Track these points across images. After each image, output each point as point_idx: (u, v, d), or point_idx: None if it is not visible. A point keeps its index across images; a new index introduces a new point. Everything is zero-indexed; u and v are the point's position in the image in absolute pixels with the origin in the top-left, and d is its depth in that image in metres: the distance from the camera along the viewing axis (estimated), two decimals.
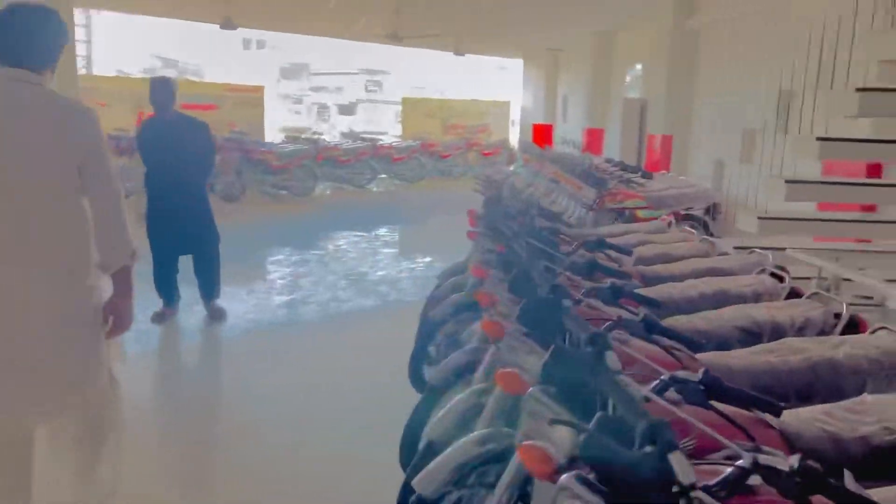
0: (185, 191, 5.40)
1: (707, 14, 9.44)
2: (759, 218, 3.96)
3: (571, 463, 1.61)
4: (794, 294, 3.47)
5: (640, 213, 8.05)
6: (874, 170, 5.18)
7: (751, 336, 2.92)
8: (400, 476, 2.68)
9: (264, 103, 16.44)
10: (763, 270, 3.71)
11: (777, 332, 2.91)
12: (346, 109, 52.81)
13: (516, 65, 23.23)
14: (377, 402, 4.31)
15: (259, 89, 16.68)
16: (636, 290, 2.95)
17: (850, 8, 5.75)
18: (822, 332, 2.95)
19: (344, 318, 6.06)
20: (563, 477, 1.46)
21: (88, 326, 2.51)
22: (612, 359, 1.82)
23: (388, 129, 34.39)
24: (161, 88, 5.28)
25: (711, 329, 2.95)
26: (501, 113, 20.55)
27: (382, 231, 11.22)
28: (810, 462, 1.29)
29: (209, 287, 5.65)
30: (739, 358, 2.55)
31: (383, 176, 16.47)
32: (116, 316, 2.58)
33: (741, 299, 3.41)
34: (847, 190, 3.92)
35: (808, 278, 3.93)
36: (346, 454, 3.65)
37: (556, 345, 1.90)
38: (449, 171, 17.87)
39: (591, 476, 1.42)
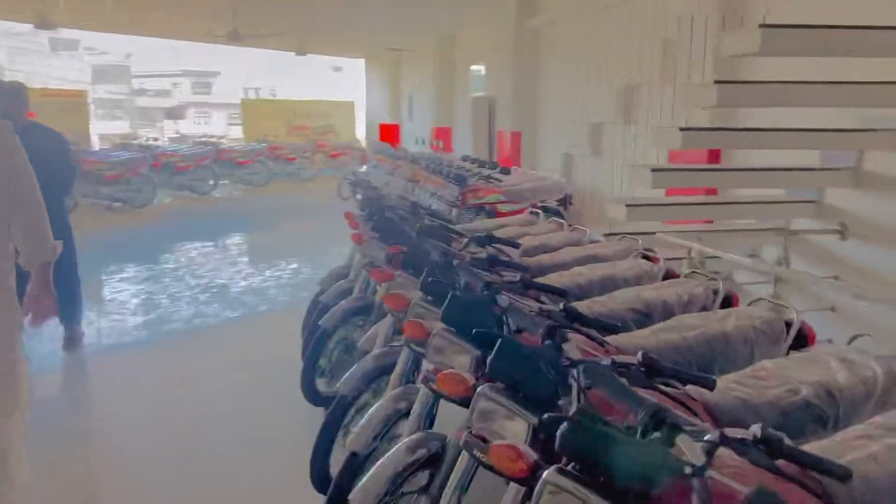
0: None
1: (547, 14, 9.93)
2: (627, 205, 4.23)
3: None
4: (668, 275, 3.75)
5: (500, 208, 8.34)
6: (714, 156, 5.72)
7: (643, 316, 3.10)
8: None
9: (88, 109, 15.08)
10: (638, 254, 3.96)
11: (666, 311, 3.12)
12: (174, 113, 49.91)
13: (351, 65, 23.17)
14: (269, 425, 4.11)
15: (82, 94, 15.33)
16: (541, 282, 3.03)
17: (686, 5, 6.29)
18: (704, 308, 3.20)
19: (214, 335, 5.70)
20: (547, 472, 1.47)
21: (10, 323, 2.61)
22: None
23: (221, 132, 32.92)
24: (10, 95, 4.70)
25: (608, 313, 3.09)
26: (346, 113, 20.37)
27: (236, 239, 10.75)
28: (770, 430, 1.40)
29: (69, 311, 5.14)
30: (644, 338, 2.69)
31: (226, 182, 15.77)
32: (40, 305, 2.76)
33: (626, 283, 3.62)
34: (706, 175, 4.31)
35: (674, 259, 4.23)
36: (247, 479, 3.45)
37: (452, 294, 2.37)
38: (297, 175, 17.45)
39: (572, 467, 1.45)
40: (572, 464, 1.44)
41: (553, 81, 10.00)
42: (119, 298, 6.72)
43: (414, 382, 2.87)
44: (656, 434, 1.31)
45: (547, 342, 1.87)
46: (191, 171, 14.27)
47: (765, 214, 4.59)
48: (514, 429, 1.84)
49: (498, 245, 3.94)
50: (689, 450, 1.26)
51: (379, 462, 2.31)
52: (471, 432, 1.95)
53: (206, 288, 7.10)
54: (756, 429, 1.39)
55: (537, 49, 10.43)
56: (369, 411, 2.69)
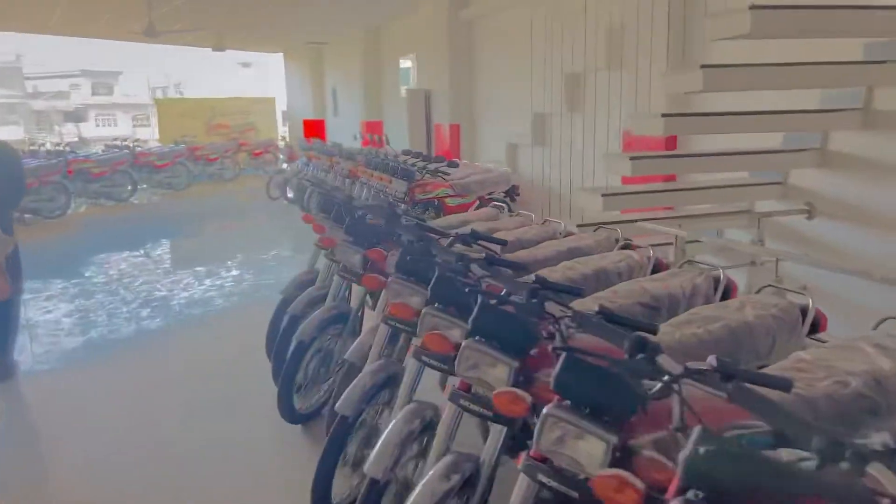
0: None
1: (481, 5, 9.80)
2: (603, 195, 4.15)
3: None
4: (657, 265, 3.69)
5: (448, 202, 8.18)
6: (670, 142, 5.74)
7: (652, 310, 3.01)
8: None
9: None
10: (625, 246, 3.88)
11: (673, 303, 3.04)
12: (75, 116, 47.18)
13: (261, 61, 22.40)
14: (247, 449, 3.83)
15: None
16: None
17: None
18: (707, 298, 3.14)
19: (164, 352, 5.29)
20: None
21: None
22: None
23: (128, 133, 31.31)
24: None
25: (617, 308, 2.99)
26: (267, 110, 19.70)
27: (165, 247, 10.16)
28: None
29: (3, 337, 4.72)
30: (667, 334, 2.59)
31: (144, 186, 14.95)
32: None
33: (619, 276, 3.53)
34: (683, 162, 4.29)
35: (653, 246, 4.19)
36: None
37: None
38: (219, 175, 16.76)
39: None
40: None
41: (491, 72, 9.89)
42: (50, 318, 6.16)
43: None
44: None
45: (638, 356, 1.71)
46: (107, 178, 13.43)
47: (734, 198, 4.62)
48: (590, 449, 1.70)
49: (483, 242, 3.78)
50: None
51: (416, 492, 2.11)
52: (531, 455, 1.82)
53: (145, 302, 6.63)
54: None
55: (472, 40, 10.29)
56: (385, 436, 2.48)
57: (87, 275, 7.86)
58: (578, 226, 4.54)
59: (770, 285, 2.87)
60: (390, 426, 2.51)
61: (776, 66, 3.68)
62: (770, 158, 4.24)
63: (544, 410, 1.77)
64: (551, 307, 2.37)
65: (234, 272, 7.90)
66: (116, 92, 54.18)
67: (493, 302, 2.36)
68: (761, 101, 4.37)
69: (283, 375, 3.79)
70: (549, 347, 2.11)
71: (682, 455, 1.39)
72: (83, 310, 6.39)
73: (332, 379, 4.07)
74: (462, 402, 2.28)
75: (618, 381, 1.69)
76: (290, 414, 3.89)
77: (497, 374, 2.16)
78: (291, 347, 3.80)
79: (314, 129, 18.24)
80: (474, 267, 3.01)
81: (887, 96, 3.83)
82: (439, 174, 8.06)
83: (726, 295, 3.20)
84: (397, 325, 3.04)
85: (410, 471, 2.68)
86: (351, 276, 3.95)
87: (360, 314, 4.04)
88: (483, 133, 10.32)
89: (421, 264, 3.01)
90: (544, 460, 1.80)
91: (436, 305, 2.63)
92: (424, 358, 2.63)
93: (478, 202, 8.50)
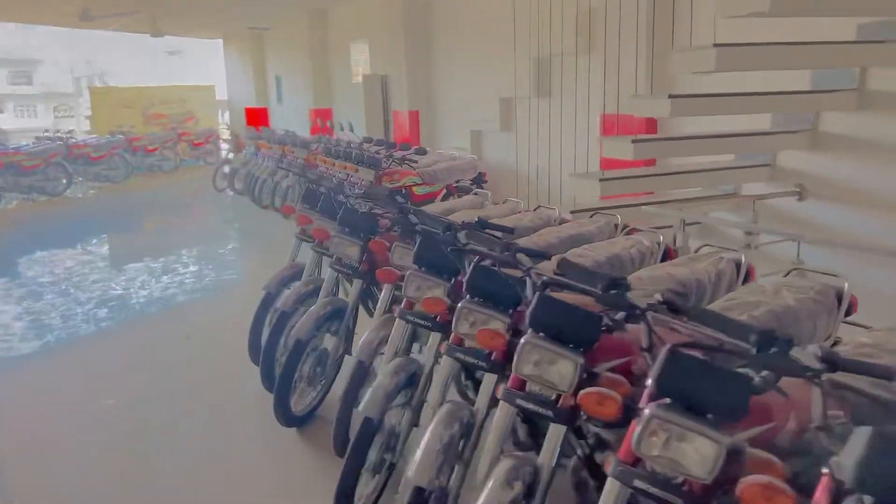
0: None
1: None
2: (601, 180, 4.05)
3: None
4: (667, 251, 3.61)
5: (416, 191, 7.99)
6: (651, 125, 5.69)
7: (681, 297, 2.91)
8: None
9: None
10: (631, 231, 3.80)
11: (700, 289, 2.96)
12: None
13: (191, 48, 21.41)
14: (242, 455, 3.58)
15: None
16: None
17: None
18: (731, 282, 3.08)
19: (131, 357, 4.93)
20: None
21: None
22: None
23: (48, 125, 29.72)
24: None
25: (647, 297, 2.89)
26: (207, 99, 18.95)
27: (113, 243, 9.62)
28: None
29: None
30: None
31: (80, 179, 14.16)
32: None
33: (633, 263, 3.44)
34: (685, 144, 4.22)
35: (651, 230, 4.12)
36: None
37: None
38: (158, 167, 16.03)
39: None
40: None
41: (451, 56, 9.69)
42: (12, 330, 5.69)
43: None
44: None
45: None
46: (40, 171, 12.66)
47: (722, 181, 4.59)
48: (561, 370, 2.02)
49: (490, 231, 3.62)
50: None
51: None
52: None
53: (101, 301, 6.20)
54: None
55: (430, 23, 10.05)
56: (425, 441, 2.30)
57: (31, 274, 7.33)
58: (573, 212, 4.44)
59: (798, 268, 2.81)
60: (429, 431, 2.33)
61: (778, 46, 3.64)
62: (761, 140, 4.22)
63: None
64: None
65: (193, 267, 7.52)
66: (35, 81, 51.40)
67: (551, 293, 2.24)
68: (745, 84, 4.35)
69: (280, 376, 3.55)
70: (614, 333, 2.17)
71: (654, 370, 1.68)
72: (33, 312, 5.94)
73: (325, 379, 3.86)
74: (519, 401, 2.13)
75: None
76: (286, 417, 3.65)
77: (561, 370, 2.03)
78: (289, 347, 3.56)
79: (257, 117, 17.68)
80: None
81: (882, 76, 3.86)
82: (407, 162, 7.86)
83: (745, 279, 3.16)
84: (418, 320, 2.86)
85: (446, 475, 2.51)
86: (347, 269, 3.74)
87: (355, 310, 3.83)
88: (444, 119, 10.13)
89: (444, 256, 2.83)
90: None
91: (473, 299, 2.45)
92: (460, 355, 2.47)
93: (445, 190, 8.36)
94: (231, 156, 15.47)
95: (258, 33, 17.36)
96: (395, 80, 10.70)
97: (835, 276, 2.70)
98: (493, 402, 2.28)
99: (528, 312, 2.11)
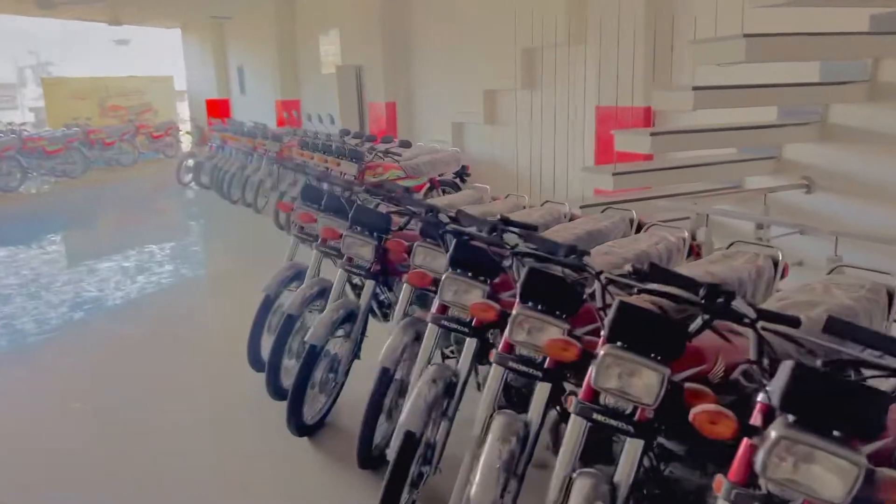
0: None
1: None
2: (614, 174, 3.94)
3: None
4: (691, 246, 3.53)
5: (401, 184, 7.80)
6: (648, 118, 5.62)
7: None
8: None
9: None
10: (647, 227, 3.71)
11: (741, 287, 2.88)
12: None
13: (139, 37, 20.58)
14: (252, 469, 3.38)
15: None
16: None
17: None
18: (769, 280, 3.01)
19: (116, 366, 4.64)
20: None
21: None
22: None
23: None
24: None
25: None
26: (165, 90, 18.32)
27: (76, 242, 9.19)
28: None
29: None
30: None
31: (33, 174, 13.54)
32: None
33: (660, 258, 3.35)
34: (702, 137, 4.13)
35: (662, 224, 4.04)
36: None
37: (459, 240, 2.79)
38: (116, 161, 15.44)
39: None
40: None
41: (430, 47, 9.48)
42: None
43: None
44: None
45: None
46: None
47: (730, 174, 4.54)
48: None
49: (512, 228, 3.49)
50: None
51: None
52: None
53: (75, 305, 5.87)
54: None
55: (407, 11, 9.81)
56: (482, 465, 2.15)
57: None
58: (583, 207, 4.33)
59: (843, 265, 2.74)
60: (486, 451, 2.18)
61: (797, 37, 3.58)
62: (772, 133, 4.18)
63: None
64: None
65: (167, 266, 7.20)
66: None
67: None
68: (748, 77, 4.30)
69: (294, 384, 3.36)
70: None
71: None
72: (3, 317, 5.58)
73: (336, 385, 3.68)
74: (596, 416, 2.00)
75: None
76: (298, 427, 3.47)
77: (647, 382, 1.90)
78: (302, 353, 3.37)
79: (219, 109, 17.20)
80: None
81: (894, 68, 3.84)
82: (390, 155, 7.66)
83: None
84: (453, 325, 2.71)
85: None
86: (358, 270, 3.56)
87: (366, 313, 3.65)
88: (423, 111, 9.93)
89: (481, 257, 2.68)
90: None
91: (528, 304, 2.31)
92: (513, 364, 2.34)
93: (428, 184, 8.19)
94: (193, 149, 15.02)
95: (219, 22, 16.84)
96: (371, 70, 10.45)
97: (885, 273, 2.63)
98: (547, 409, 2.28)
99: (607, 322, 1.98)
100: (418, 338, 3.12)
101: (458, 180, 8.26)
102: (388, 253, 3.54)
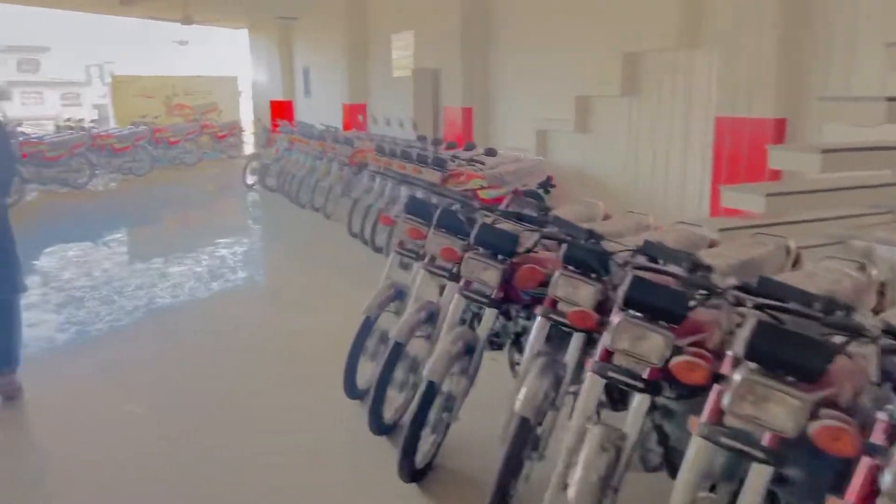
0: None
1: None
2: (769, 195, 3.43)
3: None
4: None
5: (482, 195, 7.37)
6: (779, 132, 5.08)
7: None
8: None
9: None
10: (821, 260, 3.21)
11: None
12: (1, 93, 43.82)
13: (199, 38, 20.68)
14: None
15: None
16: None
17: None
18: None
19: (190, 375, 4.31)
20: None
21: None
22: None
23: (56, 113, 29.14)
24: None
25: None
26: (229, 90, 18.34)
27: (147, 242, 9.01)
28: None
29: (5, 352, 3.91)
30: None
31: (100, 171, 13.55)
32: None
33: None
34: (874, 155, 3.58)
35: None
36: None
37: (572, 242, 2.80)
38: (180, 160, 15.42)
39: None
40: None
41: (513, 49, 9.02)
42: (41, 334, 5.07)
43: None
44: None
45: None
46: (63, 162, 12.05)
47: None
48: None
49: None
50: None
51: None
52: None
53: (149, 312, 5.60)
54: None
55: (490, 10, 9.37)
56: (579, 480, 2.06)
57: (66, 277, 6.72)
58: (721, 230, 3.83)
59: None
60: (582, 464, 2.08)
61: None
62: None
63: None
64: None
65: (240, 273, 6.92)
66: (43, 69, 50.67)
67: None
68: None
69: (411, 429, 2.96)
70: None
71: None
72: (78, 323, 5.34)
73: (448, 424, 3.26)
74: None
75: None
76: (410, 472, 3.06)
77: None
78: (420, 391, 2.96)
79: (282, 110, 17.10)
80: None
81: None
82: (474, 163, 7.26)
83: None
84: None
85: None
86: (479, 297, 3.14)
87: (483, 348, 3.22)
88: (501, 117, 9.48)
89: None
90: None
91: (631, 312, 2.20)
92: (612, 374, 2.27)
93: (511, 195, 7.75)
94: (258, 150, 14.90)
95: (286, 23, 16.74)
96: (447, 73, 10.05)
97: None
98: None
99: (742, 339, 1.82)
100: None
101: (542, 191, 7.82)
102: (513, 278, 3.11)
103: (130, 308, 5.70)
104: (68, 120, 15.42)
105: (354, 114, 13.52)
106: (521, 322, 3.37)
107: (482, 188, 7.23)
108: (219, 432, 3.60)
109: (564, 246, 2.82)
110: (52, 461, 3.43)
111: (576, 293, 2.72)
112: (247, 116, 19.92)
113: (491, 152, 7.33)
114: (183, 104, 17.03)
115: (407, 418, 3.10)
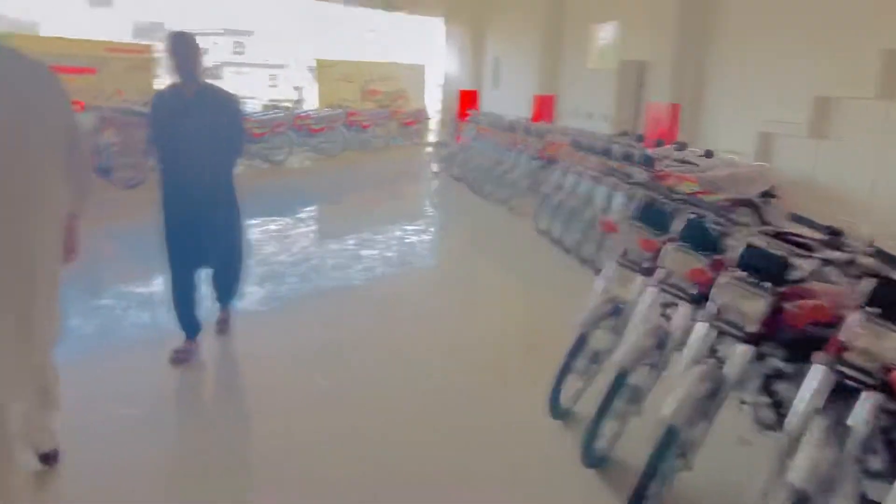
0: (215, 186, 4.08)
1: None
2: None
3: None
4: None
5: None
6: None
7: None
8: None
9: (153, 65, 13.52)
10: None
11: None
12: (210, 74, 48.16)
13: (385, 25, 21.09)
14: None
15: (146, 49, 13.73)
16: None
17: None
18: None
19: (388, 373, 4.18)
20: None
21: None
22: None
23: (260, 94, 31.36)
24: (184, 48, 3.75)
25: None
26: (417, 78, 18.64)
27: (342, 222, 9.20)
28: None
29: (228, 292, 4.55)
30: None
31: (297, 149, 14.25)
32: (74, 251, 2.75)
33: None
34: None
35: None
36: None
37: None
38: (369, 144, 15.88)
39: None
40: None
41: (734, 42, 8.17)
42: (244, 307, 5.19)
43: None
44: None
45: None
46: (266, 139, 12.78)
47: None
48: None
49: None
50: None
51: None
52: None
53: (345, 293, 5.62)
54: None
55: (708, 2, 8.57)
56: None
57: (268, 251, 6.96)
58: None
59: None
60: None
61: None
62: None
63: None
64: None
65: (429, 260, 6.79)
66: (248, 52, 54.96)
67: None
68: None
69: (643, 477, 2.54)
70: None
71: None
72: (278, 298, 5.44)
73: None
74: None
75: None
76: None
77: None
78: (661, 433, 2.54)
79: (469, 99, 17.08)
80: None
81: None
82: (687, 164, 6.61)
83: None
84: None
85: None
86: (733, 329, 2.65)
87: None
88: (714, 116, 8.65)
89: None
90: None
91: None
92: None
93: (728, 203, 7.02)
94: (444, 138, 14.96)
95: (480, 13, 16.65)
96: (655, 66, 9.35)
97: None
98: None
99: None
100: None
101: (762, 201, 6.98)
102: (782, 312, 2.58)
103: (327, 288, 5.75)
104: (273, 100, 16.39)
105: (546, 105, 13.13)
106: (774, 363, 2.83)
107: (695, 193, 6.57)
108: (404, 417, 3.40)
109: (869, 282, 2.26)
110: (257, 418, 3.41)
111: (880, 344, 2.17)
112: (431, 105, 20.20)
113: (708, 154, 6.63)
114: (375, 90, 17.54)
115: (635, 462, 2.68)
